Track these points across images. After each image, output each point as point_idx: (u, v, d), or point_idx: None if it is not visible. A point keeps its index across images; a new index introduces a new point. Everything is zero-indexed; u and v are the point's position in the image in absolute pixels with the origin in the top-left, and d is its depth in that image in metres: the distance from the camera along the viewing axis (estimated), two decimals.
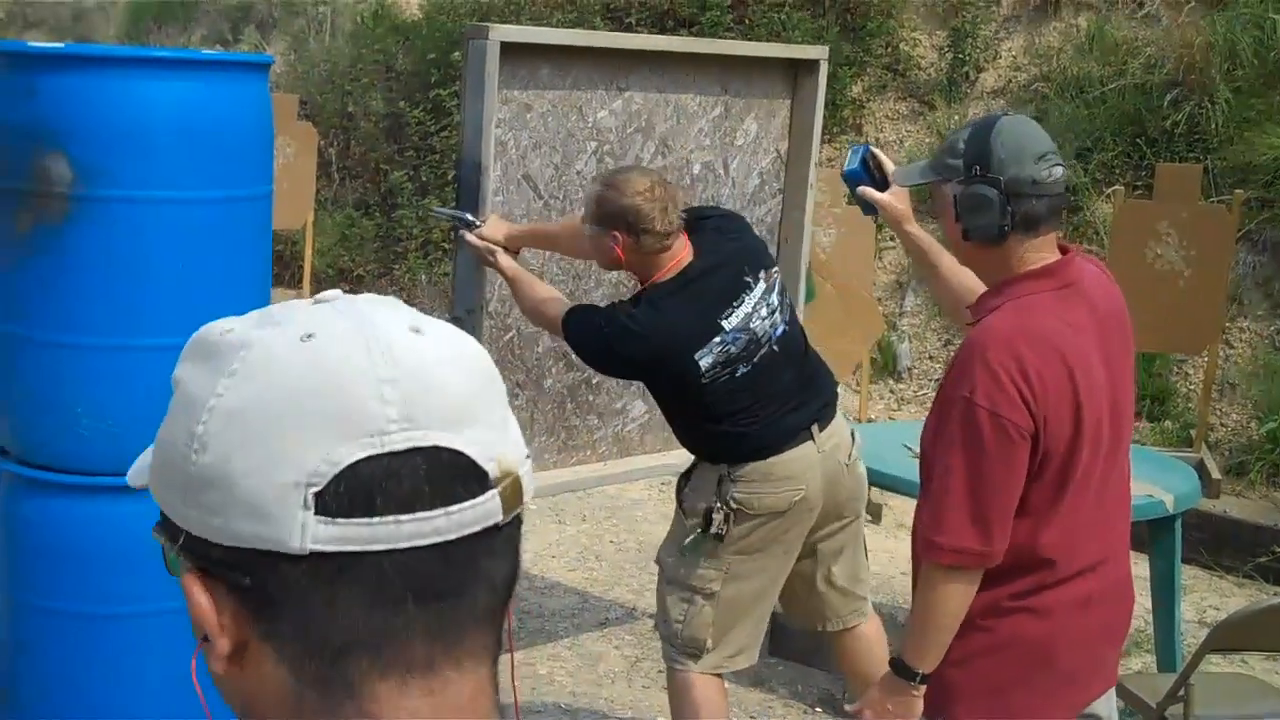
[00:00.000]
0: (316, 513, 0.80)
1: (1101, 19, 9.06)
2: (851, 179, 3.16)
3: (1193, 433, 7.26)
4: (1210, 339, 7.02)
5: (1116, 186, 8.03)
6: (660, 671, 5.03)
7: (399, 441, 0.81)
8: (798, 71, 4.99)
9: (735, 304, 3.69)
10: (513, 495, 0.86)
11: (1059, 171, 2.72)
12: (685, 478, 3.89)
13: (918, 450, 2.86)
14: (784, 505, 3.70)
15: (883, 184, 3.14)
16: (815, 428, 3.77)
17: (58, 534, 3.57)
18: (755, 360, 3.69)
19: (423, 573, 0.82)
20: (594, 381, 4.66)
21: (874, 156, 3.18)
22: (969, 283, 3.02)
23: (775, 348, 3.74)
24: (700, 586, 3.74)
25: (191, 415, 0.85)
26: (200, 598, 0.86)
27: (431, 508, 0.82)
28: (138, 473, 0.96)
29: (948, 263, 3.12)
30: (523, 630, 5.34)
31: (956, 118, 9.20)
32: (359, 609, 0.82)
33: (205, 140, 3.50)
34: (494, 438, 0.86)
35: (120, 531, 3.54)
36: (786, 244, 5.06)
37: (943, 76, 9.62)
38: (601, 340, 3.67)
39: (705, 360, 3.63)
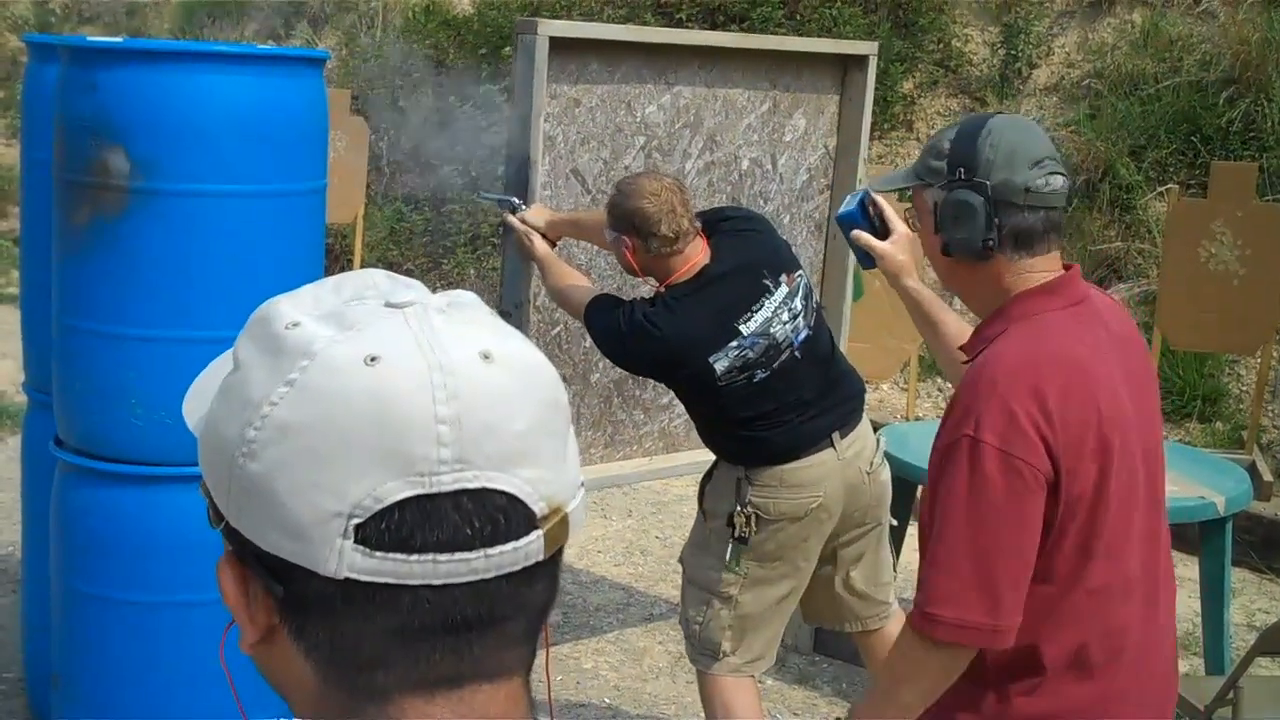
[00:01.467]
0: (356, 542, 0.80)
1: (1156, 15, 8.98)
2: (846, 223, 2.84)
3: (1244, 434, 7.19)
4: (1264, 339, 6.95)
5: (1170, 185, 7.97)
6: None
7: (448, 483, 0.80)
8: (847, 67, 4.97)
9: (755, 309, 3.62)
10: (558, 533, 0.85)
11: (1058, 181, 2.31)
12: (707, 478, 3.86)
13: None
14: (800, 512, 3.65)
15: (883, 233, 2.82)
16: (837, 435, 3.71)
17: (110, 523, 3.61)
18: (775, 366, 3.63)
19: (456, 607, 0.82)
20: (638, 376, 4.66)
21: (874, 203, 2.83)
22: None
23: (797, 353, 3.67)
24: (719, 590, 3.72)
25: (246, 416, 0.83)
26: (230, 586, 0.87)
27: (471, 549, 0.81)
28: (190, 411, 0.96)
29: (952, 321, 2.77)
30: (567, 625, 5.35)
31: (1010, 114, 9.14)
32: (387, 634, 0.82)
33: (261, 134, 3.53)
34: (548, 476, 0.84)
35: (172, 521, 3.58)
36: (834, 240, 5.05)
37: (995, 73, 9.56)
38: (618, 337, 3.64)
39: (721, 364, 3.58)
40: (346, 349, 0.82)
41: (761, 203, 4.83)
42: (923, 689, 2.28)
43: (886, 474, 3.93)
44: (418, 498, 0.80)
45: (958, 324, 2.75)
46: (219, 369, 0.95)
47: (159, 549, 3.57)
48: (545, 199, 4.28)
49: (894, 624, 3.95)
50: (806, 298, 3.76)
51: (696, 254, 3.65)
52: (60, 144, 3.61)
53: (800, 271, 3.81)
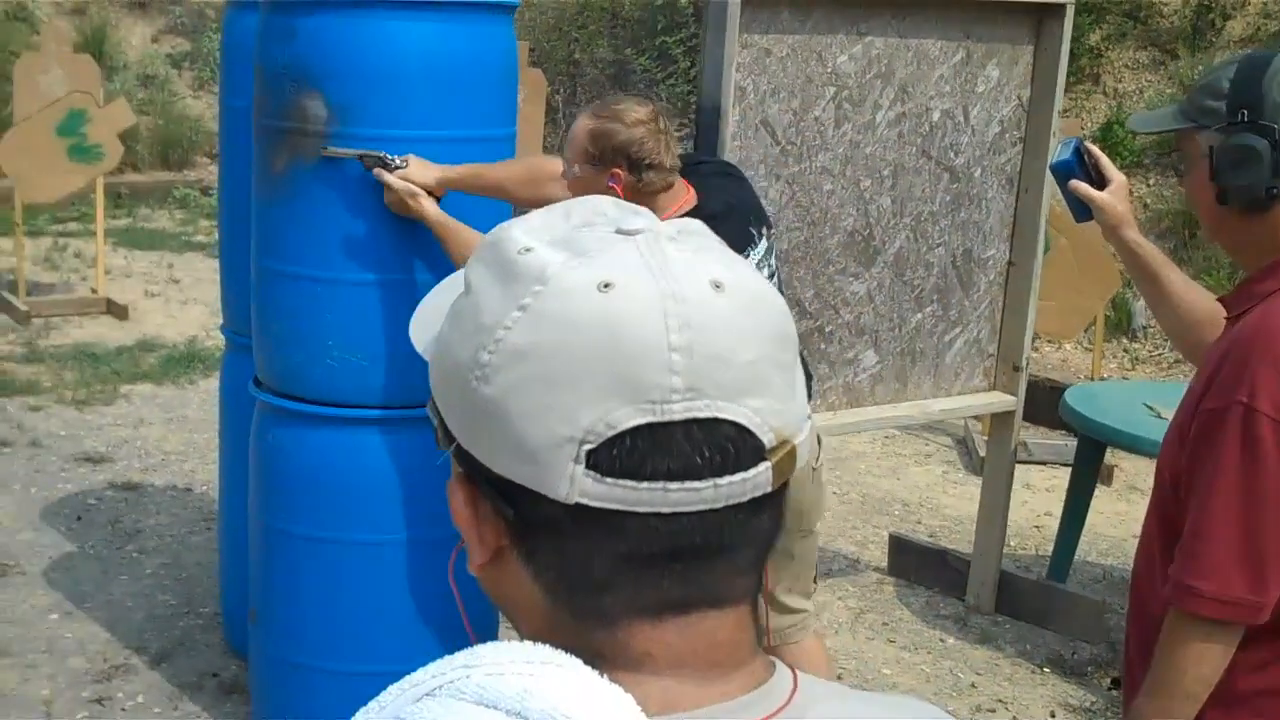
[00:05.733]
0: (587, 468, 0.80)
1: None
2: (1063, 172, 2.66)
3: None
4: None
5: None
6: (885, 624, 5.01)
7: (679, 411, 0.80)
8: (1042, 17, 4.84)
9: (743, 256, 3.35)
10: (786, 464, 0.84)
11: None
12: None
13: (1160, 411, 2.52)
14: None
15: (1099, 182, 2.64)
16: None
17: (307, 462, 3.69)
18: None
19: (682, 535, 0.82)
20: (826, 330, 4.62)
21: (1088, 151, 2.67)
22: (1202, 303, 2.53)
23: None
24: None
25: (479, 339, 0.84)
26: (463, 509, 0.87)
27: (700, 479, 0.80)
28: (418, 327, 0.97)
29: (1177, 277, 2.60)
30: None
31: (1200, 67, 8.85)
32: (616, 559, 0.82)
33: (455, 80, 3.56)
34: (777, 406, 0.83)
35: (367, 462, 3.65)
36: (1026, 194, 4.94)
37: (1186, 24, 9.26)
38: None
39: None
40: (580, 275, 0.82)
41: (952, 155, 4.74)
42: (1203, 674, 2.14)
43: (824, 476, 3.56)
44: (649, 425, 0.80)
45: (1183, 280, 2.59)
46: (446, 293, 0.96)
47: (355, 489, 3.65)
48: (735, 149, 4.24)
49: (810, 643, 3.67)
50: (776, 259, 3.52)
51: (685, 194, 3.33)
52: (260, 91, 3.68)
53: (773, 230, 3.55)
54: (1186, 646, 2.14)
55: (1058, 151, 2.69)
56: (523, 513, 0.84)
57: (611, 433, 0.80)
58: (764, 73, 4.30)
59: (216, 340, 8.03)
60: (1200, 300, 2.54)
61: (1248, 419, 2.06)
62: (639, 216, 0.88)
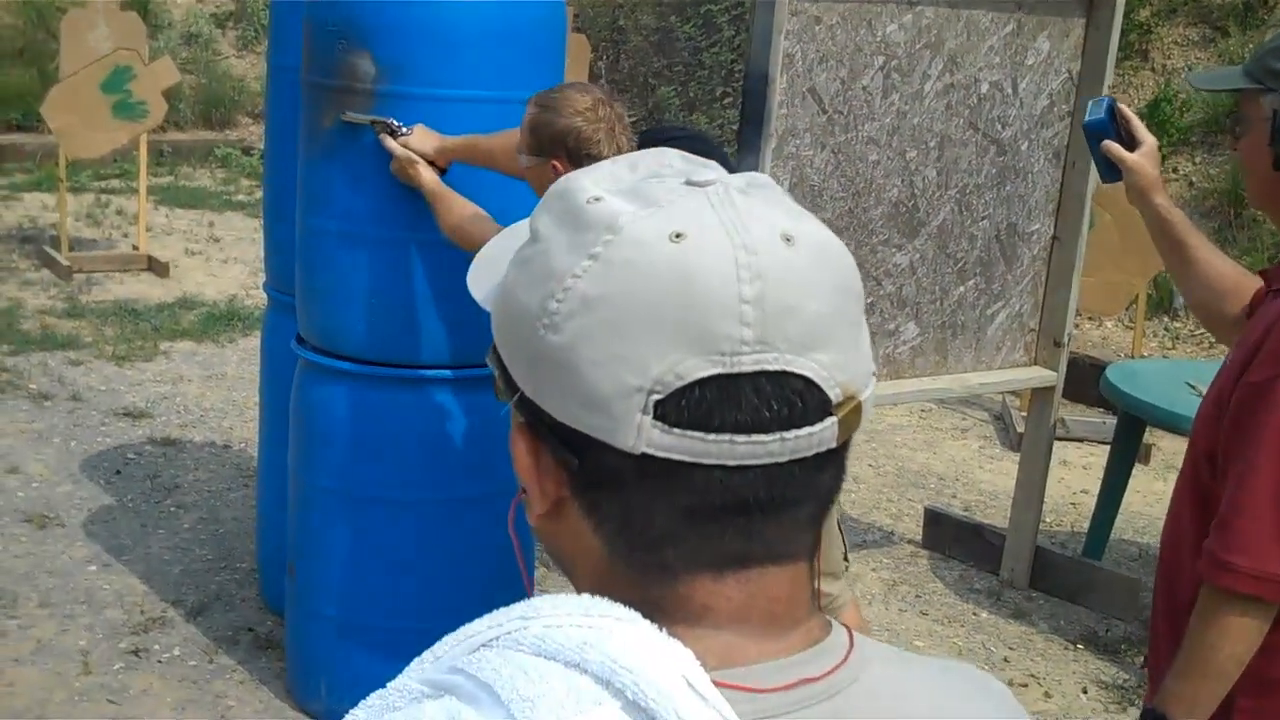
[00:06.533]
0: (655, 418, 0.79)
1: None
2: (1095, 131, 2.58)
3: None
4: None
5: None
6: (919, 596, 5.00)
7: (748, 363, 0.79)
8: None
9: None
10: (852, 420, 0.83)
11: None
12: None
13: (1202, 390, 2.46)
14: None
15: (1129, 144, 2.55)
16: None
17: (349, 420, 3.70)
18: None
19: (748, 489, 0.81)
20: (867, 301, 4.58)
21: (1121, 111, 2.58)
22: (1228, 273, 2.48)
23: None
24: None
25: (547, 287, 0.83)
26: (525, 458, 0.86)
27: (768, 432, 0.80)
28: (476, 280, 0.97)
29: (1203, 246, 2.52)
30: None
31: (1252, 45, 8.75)
32: (680, 512, 0.82)
33: (503, 41, 3.56)
34: (843, 361, 0.83)
35: (409, 420, 3.67)
36: (1073, 169, 4.90)
37: (1238, 1, 9.15)
38: None
39: None
40: (651, 224, 0.82)
41: (1000, 127, 4.70)
42: (1237, 651, 2.08)
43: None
44: (718, 377, 0.79)
45: (1209, 248, 2.51)
46: (507, 242, 0.95)
47: (395, 446, 3.67)
48: (781, 117, 4.22)
49: (850, 611, 3.61)
50: None
51: None
52: (309, 48, 3.68)
53: None
54: (1220, 623, 2.08)
55: (1090, 110, 2.61)
56: (587, 463, 0.83)
57: (680, 383, 0.79)
58: (812, 40, 4.27)
59: (256, 299, 8.07)
60: (1226, 270, 2.48)
61: None
62: (708, 169, 0.88)
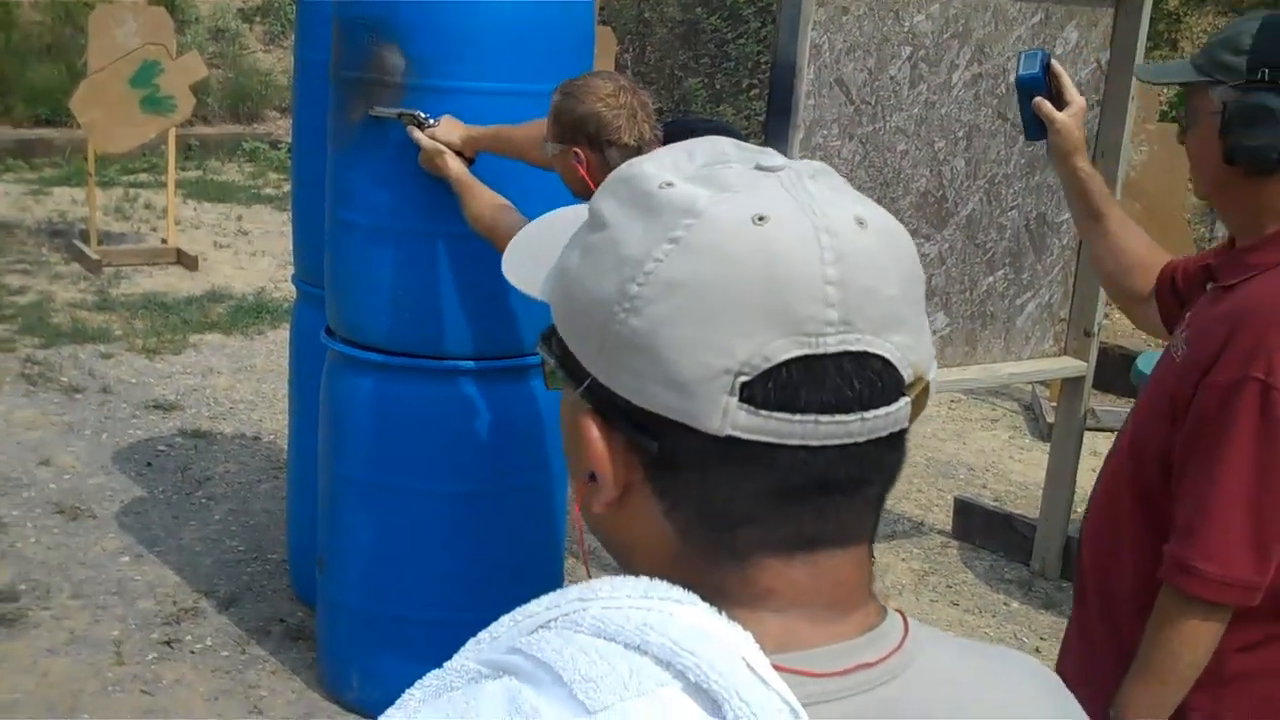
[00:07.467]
0: (741, 400, 0.80)
1: None
2: (1028, 86, 2.49)
3: None
4: None
5: None
6: (949, 586, 5.00)
7: (832, 344, 0.80)
8: None
9: None
10: (922, 400, 0.85)
11: None
12: None
13: None
14: None
15: (1058, 103, 2.47)
16: None
17: (376, 411, 3.71)
18: None
19: (828, 469, 0.82)
20: None
21: (1053, 69, 2.49)
22: (1139, 245, 2.45)
23: None
24: None
25: (626, 272, 0.83)
26: (598, 444, 0.86)
27: (850, 412, 0.81)
28: (516, 268, 0.96)
29: (1117, 217, 2.48)
30: None
31: None
32: (760, 493, 0.82)
33: (532, 35, 3.56)
34: (913, 341, 0.84)
35: (441, 412, 3.68)
36: (1102, 158, 4.88)
37: None
38: None
39: None
40: (732, 208, 0.82)
41: None
42: (1197, 658, 2.06)
43: None
44: (804, 358, 0.80)
45: (1122, 218, 2.47)
46: (544, 231, 0.96)
47: (425, 437, 3.68)
48: (809, 108, 4.22)
49: None
50: None
51: None
52: (338, 41, 3.69)
53: None
54: (1184, 629, 2.06)
55: (1023, 64, 2.52)
56: (667, 447, 0.83)
57: (767, 365, 0.79)
58: (840, 30, 4.27)
59: (284, 292, 8.10)
60: (1136, 242, 2.45)
61: (1265, 397, 1.97)
62: (772, 155, 0.89)
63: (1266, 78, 2.06)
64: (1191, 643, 2.06)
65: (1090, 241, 2.55)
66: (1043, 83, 2.48)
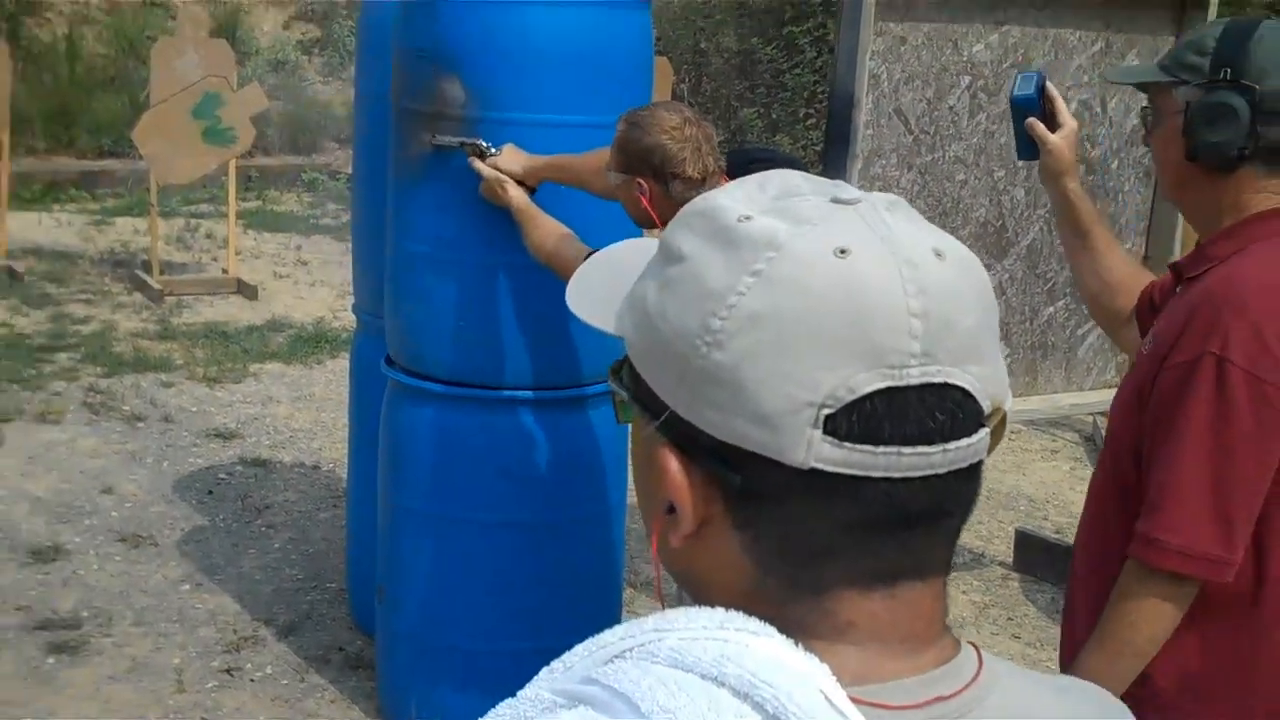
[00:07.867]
0: (825, 433, 0.80)
1: None
2: (1023, 107, 2.52)
3: None
4: None
5: None
6: (1010, 619, 4.95)
7: (915, 376, 0.80)
8: (1185, 6, 4.75)
9: None
10: (1000, 431, 0.85)
11: None
12: None
13: None
14: None
15: (1051, 124, 2.50)
16: None
17: (436, 441, 3.73)
18: None
19: (910, 500, 0.82)
20: None
21: (1048, 90, 2.53)
22: (1123, 265, 2.50)
23: None
24: None
25: (707, 306, 0.83)
26: (678, 477, 0.85)
27: (932, 444, 0.81)
28: (582, 301, 0.96)
29: (1103, 238, 2.52)
30: None
31: None
32: (842, 526, 0.82)
33: (593, 67, 3.57)
34: (990, 372, 0.84)
35: (500, 443, 3.68)
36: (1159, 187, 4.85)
37: None
38: None
39: None
40: (813, 241, 0.82)
41: (1088, 147, 4.66)
42: (1156, 632, 2.09)
43: None
44: (887, 390, 0.80)
45: (1110, 242, 2.52)
46: (609, 265, 0.96)
47: (485, 468, 3.68)
48: (867, 138, 4.21)
49: None
50: None
51: None
52: (398, 73, 3.72)
53: None
54: (1143, 601, 2.08)
55: (1019, 84, 2.55)
56: (749, 479, 0.83)
57: (852, 397, 0.79)
58: (898, 60, 4.27)
59: (343, 321, 8.16)
60: (1121, 263, 2.50)
61: (1220, 371, 2.02)
62: (846, 188, 0.89)
63: (1228, 76, 2.11)
64: (1151, 616, 2.08)
65: (1075, 262, 2.58)
66: (1037, 104, 2.52)
